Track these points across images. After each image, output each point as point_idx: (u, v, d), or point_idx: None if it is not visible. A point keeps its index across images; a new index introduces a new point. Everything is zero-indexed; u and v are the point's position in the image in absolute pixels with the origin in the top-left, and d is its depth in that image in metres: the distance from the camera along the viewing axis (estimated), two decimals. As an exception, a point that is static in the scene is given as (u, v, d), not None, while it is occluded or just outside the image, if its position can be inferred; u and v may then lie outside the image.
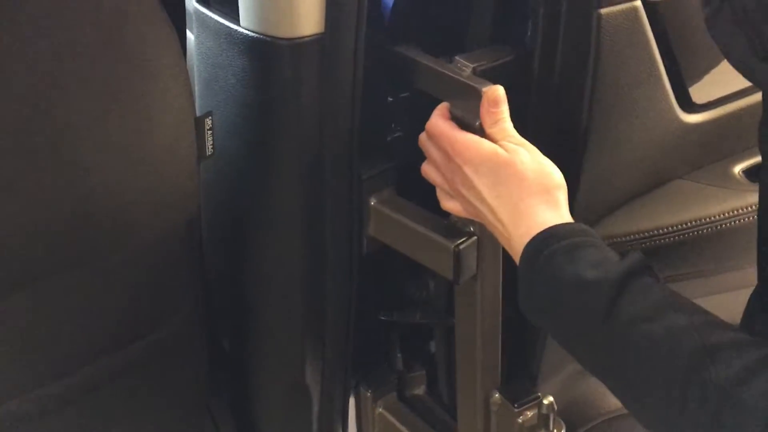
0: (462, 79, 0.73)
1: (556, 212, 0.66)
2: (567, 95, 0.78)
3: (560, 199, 0.67)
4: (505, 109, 0.70)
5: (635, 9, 0.75)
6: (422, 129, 0.78)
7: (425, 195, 0.81)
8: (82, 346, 0.76)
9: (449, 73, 0.75)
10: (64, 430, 0.79)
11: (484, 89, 0.70)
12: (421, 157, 0.80)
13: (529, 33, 0.78)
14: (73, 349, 0.75)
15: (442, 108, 0.75)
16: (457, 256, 0.77)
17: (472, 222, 0.78)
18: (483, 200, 0.69)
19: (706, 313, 0.57)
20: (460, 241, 0.77)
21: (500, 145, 0.69)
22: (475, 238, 0.78)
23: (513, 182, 0.67)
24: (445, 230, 0.79)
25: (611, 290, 0.58)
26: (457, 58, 0.76)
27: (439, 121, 0.73)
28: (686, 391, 0.53)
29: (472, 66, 0.74)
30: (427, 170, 0.76)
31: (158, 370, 0.84)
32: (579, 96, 0.77)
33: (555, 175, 0.68)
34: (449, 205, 0.75)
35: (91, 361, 0.77)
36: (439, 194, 0.76)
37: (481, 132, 0.71)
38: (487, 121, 0.70)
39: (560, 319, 0.63)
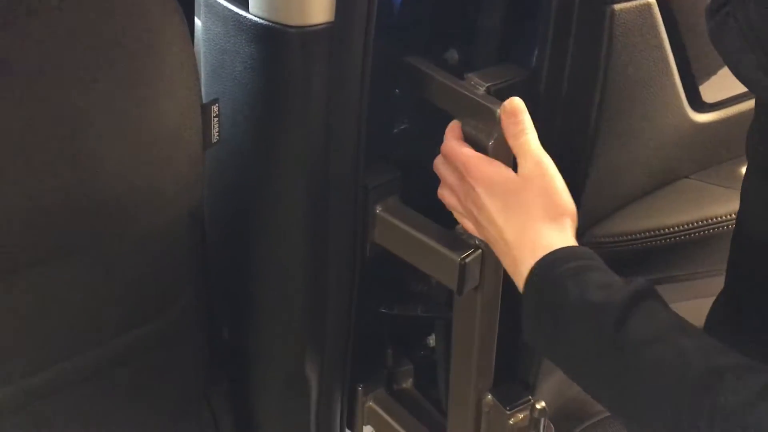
0: (476, 98, 0.74)
1: (562, 237, 0.66)
2: (577, 92, 0.77)
3: (567, 226, 0.67)
4: (525, 119, 0.70)
5: (649, 5, 0.75)
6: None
7: (428, 202, 0.81)
8: (81, 332, 0.75)
9: (463, 91, 0.75)
10: (60, 416, 0.78)
11: (503, 105, 0.71)
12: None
13: (540, 28, 0.77)
14: (72, 334, 0.75)
15: (454, 128, 0.75)
16: (463, 268, 0.77)
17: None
18: (492, 222, 0.70)
19: (709, 337, 0.57)
20: (466, 254, 0.78)
21: (518, 163, 0.70)
22: (480, 251, 0.79)
23: (522, 208, 0.68)
24: (451, 242, 0.79)
25: (618, 312, 0.58)
26: (470, 75, 0.76)
27: (453, 142, 0.74)
28: (695, 414, 0.52)
29: (486, 85, 0.75)
30: (443, 193, 0.77)
31: (157, 357, 0.83)
32: (589, 92, 0.76)
33: (565, 200, 0.68)
34: (464, 222, 0.76)
35: (90, 347, 0.76)
36: (456, 215, 0.77)
37: (493, 152, 0.72)
38: (509, 132, 0.70)
39: (566, 342, 0.63)
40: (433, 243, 0.80)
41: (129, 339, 0.79)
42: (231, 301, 0.95)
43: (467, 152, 0.72)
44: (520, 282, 0.67)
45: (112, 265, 0.73)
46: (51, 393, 0.75)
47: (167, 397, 0.89)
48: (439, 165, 0.76)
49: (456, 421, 0.94)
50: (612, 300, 0.59)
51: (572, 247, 0.65)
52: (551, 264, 0.64)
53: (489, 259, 0.79)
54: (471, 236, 0.79)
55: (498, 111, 0.71)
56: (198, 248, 0.83)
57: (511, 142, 0.71)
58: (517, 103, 0.70)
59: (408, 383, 1.04)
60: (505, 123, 0.70)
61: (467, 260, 0.78)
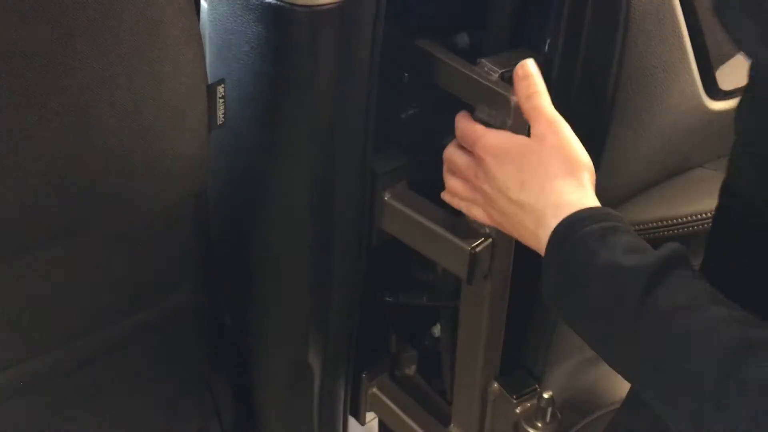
0: (490, 84, 0.72)
1: (583, 193, 0.64)
2: (592, 78, 0.76)
3: (587, 182, 0.65)
4: (538, 82, 0.69)
5: (666, -11, 0.73)
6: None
7: (436, 190, 0.79)
8: (83, 316, 0.75)
9: (477, 78, 0.73)
10: (61, 400, 0.78)
11: (516, 68, 0.70)
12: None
13: (555, 10, 0.75)
14: (74, 318, 0.74)
15: (464, 113, 0.74)
16: (473, 258, 0.77)
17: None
18: (505, 190, 0.67)
19: (742, 309, 0.55)
20: (477, 243, 0.77)
21: (531, 126, 0.68)
22: (491, 240, 0.78)
23: (538, 169, 0.66)
24: (461, 230, 0.79)
25: (647, 278, 0.55)
26: (483, 61, 0.74)
27: (463, 121, 0.73)
28: (723, 385, 0.50)
29: (500, 71, 0.73)
30: (449, 182, 0.75)
31: (159, 343, 0.83)
32: (604, 79, 0.75)
33: (581, 156, 0.66)
34: (474, 212, 0.74)
35: (92, 332, 0.76)
36: (464, 207, 0.75)
37: None
38: (522, 94, 0.69)
39: (587, 307, 0.60)
40: (442, 231, 0.79)
41: (131, 324, 0.78)
42: (234, 287, 0.94)
43: (478, 128, 0.71)
44: (541, 243, 0.64)
45: (115, 247, 0.72)
46: (53, 377, 0.75)
47: (169, 382, 0.89)
48: (450, 152, 0.75)
49: (461, 409, 0.94)
50: (641, 265, 0.56)
51: (598, 207, 0.63)
52: (575, 224, 0.61)
53: (499, 248, 0.79)
54: (481, 225, 0.78)
55: (512, 98, 0.70)
56: (202, 232, 0.82)
57: (523, 104, 0.69)
58: (529, 66, 0.69)
59: (411, 369, 1.04)
60: (518, 86, 0.69)
61: (478, 249, 0.77)
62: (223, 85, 0.70)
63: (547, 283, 0.63)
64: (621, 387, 1.04)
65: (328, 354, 0.91)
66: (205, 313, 0.89)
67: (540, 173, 0.65)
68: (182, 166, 0.70)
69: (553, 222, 0.62)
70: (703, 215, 0.85)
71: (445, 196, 0.76)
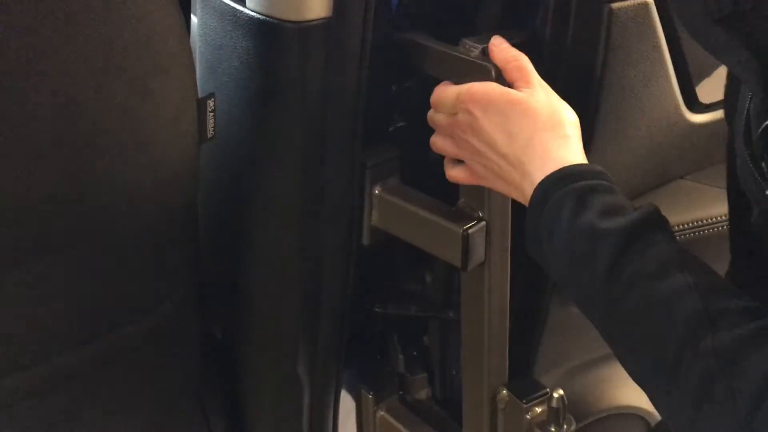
0: (471, 58, 0.72)
1: (570, 148, 0.64)
2: (574, 90, 0.77)
3: (572, 135, 0.65)
4: (516, 51, 0.69)
5: (646, 4, 0.75)
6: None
7: (428, 187, 0.80)
8: (73, 328, 0.74)
9: (458, 54, 0.74)
10: (48, 414, 0.78)
11: (492, 38, 0.71)
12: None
13: (538, 24, 0.77)
14: (64, 330, 0.74)
15: (444, 83, 0.74)
16: (466, 240, 0.75)
17: (480, 207, 0.77)
18: (493, 143, 0.67)
19: (714, 275, 0.55)
20: (469, 225, 0.76)
21: (516, 85, 0.68)
22: (484, 223, 0.77)
23: (525, 119, 0.65)
24: (453, 215, 0.78)
25: (618, 242, 0.55)
26: (465, 40, 0.75)
27: (442, 86, 0.73)
28: (680, 354, 0.51)
29: (480, 47, 0.73)
30: (434, 140, 0.74)
31: (150, 355, 0.83)
32: (586, 91, 0.77)
33: (567, 112, 0.67)
34: (454, 172, 0.74)
35: (80, 345, 0.76)
36: (446, 164, 0.75)
37: None
38: (503, 57, 0.69)
39: (565, 265, 0.60)
40: (434, 217, 0.78)
41: (120, 336, 0.78)
42: (224, 299, 0.94)
43: (459, 86, 0.70)
44: (525, 196, 0.64)
45: (104, 260, 0.72)
46: (40, 391, 0.75)
47: (158, 396, 0.88)
48: (431, 115, 0.74)
49: (471, 421, 0.92)
50: (613, 229, 0.56)
51: (580, 165, 0.63)
52: (558, 181, 0.61)
53: (495, 233, 0.78)
54: (474, 209, 0.77)
55: (493, 69, 0.70)
56: (192, 244, 0.82)
57: (507, 66, 0.69)
58: (501, 38, 0.70)
59: (422, 394, 1.01)
60: (498, 55, 0.70)
61: (470, 231, 0.76)
62: (213, 99, 0.71)
63: (529, 236, 0.64)
64: (609, 395, 1.05)
65: (317, 365, 0.91)
66: (195, 324, 0.89)
67: (527, 125, 0.65)
68: (172, 178, 0.70)
69: (538, 176, 0.62)
70: (685, 225, 0.86)
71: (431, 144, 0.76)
